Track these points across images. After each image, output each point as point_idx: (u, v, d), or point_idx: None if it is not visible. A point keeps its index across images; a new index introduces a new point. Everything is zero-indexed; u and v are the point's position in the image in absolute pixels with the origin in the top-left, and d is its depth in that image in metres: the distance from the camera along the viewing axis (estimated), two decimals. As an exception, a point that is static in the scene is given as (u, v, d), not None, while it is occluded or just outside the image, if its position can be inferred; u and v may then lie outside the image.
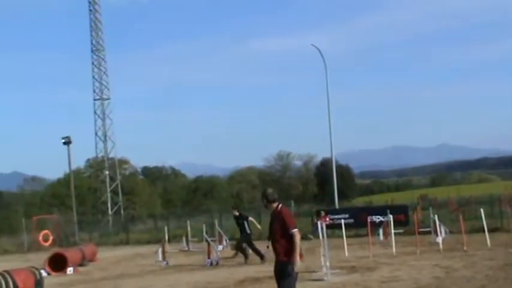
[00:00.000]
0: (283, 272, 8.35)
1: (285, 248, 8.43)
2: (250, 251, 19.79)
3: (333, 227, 26.47)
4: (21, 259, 30.59)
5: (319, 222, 16.54)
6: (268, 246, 8.71)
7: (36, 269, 16.06)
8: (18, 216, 50.43)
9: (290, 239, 8.41)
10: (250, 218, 21.16)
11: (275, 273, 8.55)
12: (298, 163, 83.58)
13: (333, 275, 14.62)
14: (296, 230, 8.42)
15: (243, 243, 20.09)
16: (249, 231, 20.21)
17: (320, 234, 15.18)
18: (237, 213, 20.81)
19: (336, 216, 28.48)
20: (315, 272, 15.34)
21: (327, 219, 26.51)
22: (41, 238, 37.59)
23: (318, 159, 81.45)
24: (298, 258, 8.32)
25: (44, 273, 17.43)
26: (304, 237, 28.04)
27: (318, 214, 28.38)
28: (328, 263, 14.79)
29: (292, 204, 48.27)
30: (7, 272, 15.34)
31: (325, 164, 70.11)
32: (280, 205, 8.72)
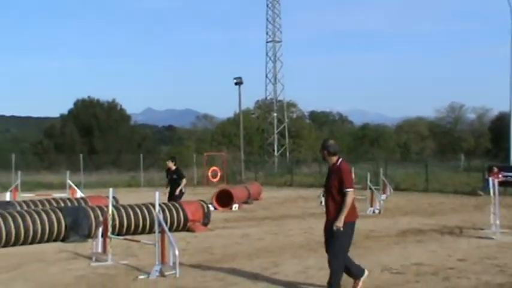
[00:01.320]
0: (334, 232, 7.87)
1: (338, 206, 7.90)
2: None
3: (506, 184, 25.14)
4: (190, 192, 32.15)
5: (490, 179, 15.68)
6: (321, 203, 8.33)
7: (205, 202, 16.75)
8: (190, 152, 52.90)
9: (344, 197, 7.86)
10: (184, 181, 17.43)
11: (325, 232, 8.13)
12: (471, 116, 79.88)
13: (503, 234, 13.88)
14: (351, 190, 7.84)
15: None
16: (183, 191, 17.36)
17: (491, 191, 14.42)
18: (174, 167, 17.45)
19: (510, 174, 27.00)
20: (482, 229, 14.68)
21: (500, 175, 25.23)
22: (209, 174, 39.25)
23: (494, 113, 77.27)
24: (342, 219, 7.77)
25: (211, 208, 18.13)
26: (473, 193, 26.98)
27: (490, 170, 27.05)
28: (498, 222, 14.05)
29: (462, 157, 46.50)
30: (179, 203, 16.17)
31: (502, 119, 66.33)
32: (341, 159, 8.12)
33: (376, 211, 19.93)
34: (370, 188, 20.72)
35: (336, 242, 7.89)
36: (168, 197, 16.92)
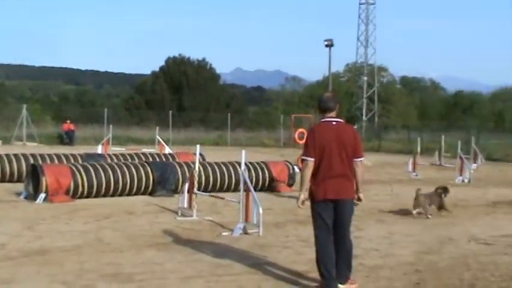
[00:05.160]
0: None
1: None
2: None
3: None
4: (276, 153, 32.30)
5: None
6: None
7: (290, 163, 16.75)
8: (277, 113, 52.97)
9: None
10: None
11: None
12: None
13: None
14: None
15: None
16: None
17: None
18: None
19: None
20: None
21: None
22: (296, 136, 39.23)
23: None
24: None
25: (296, 169, 18.11)
26: None
27: None
28: None
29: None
30: (264, 163, 16.24)
31: None
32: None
33: (466, 180, 19.41)
34: (460, 157, 20.18)
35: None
36: None
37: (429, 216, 11.75)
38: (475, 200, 15.05)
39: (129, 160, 17.08)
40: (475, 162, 24.12)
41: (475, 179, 19.61)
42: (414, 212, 11.93)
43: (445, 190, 12.33)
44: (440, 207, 12.21)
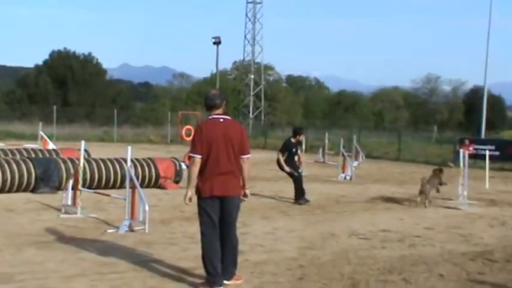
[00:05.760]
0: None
1: None
2: None
3: (476, 157, 25.39)
4: (164, 150, 32.11)
5: (461, 151, 15.81)
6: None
7: (177, 160, 16.73)
8: (165, 110, 52.58)
9: None
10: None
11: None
12: (446, 88, 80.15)
13: (470, 205, 14.08)
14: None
15: None
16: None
17: (461, 162, 14.58)
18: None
19: (481, 147, 27.24)
20: (450, 200, 14.85)
21: (471, 148, 25.51)
22: (183, 132, 39.09)
23: (469, 86, 77.65)
24: None
25: (183, 166, 18.10)
26: (444, 164, 27.24)
27: (461, 142, 27.31)
28: (465, 193, 14.26)
29: (435, 129, 46.89)
30: (151, 159, 16.12)
31: (476, 92, 66.80)
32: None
33: (348, 177, 20.07)
34: (343, 154, 20.85)
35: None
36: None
37: (426, 205, 13.57)
38: (356, 196, 15.61)
39: (10, 156, 16.46)
40: (356, 160, 24.94)
41: (357, 176, 20.31)
42: (418, 199, 13.84)
43: (440, 171, 14.40)
44: (437, 189, 14.07)
